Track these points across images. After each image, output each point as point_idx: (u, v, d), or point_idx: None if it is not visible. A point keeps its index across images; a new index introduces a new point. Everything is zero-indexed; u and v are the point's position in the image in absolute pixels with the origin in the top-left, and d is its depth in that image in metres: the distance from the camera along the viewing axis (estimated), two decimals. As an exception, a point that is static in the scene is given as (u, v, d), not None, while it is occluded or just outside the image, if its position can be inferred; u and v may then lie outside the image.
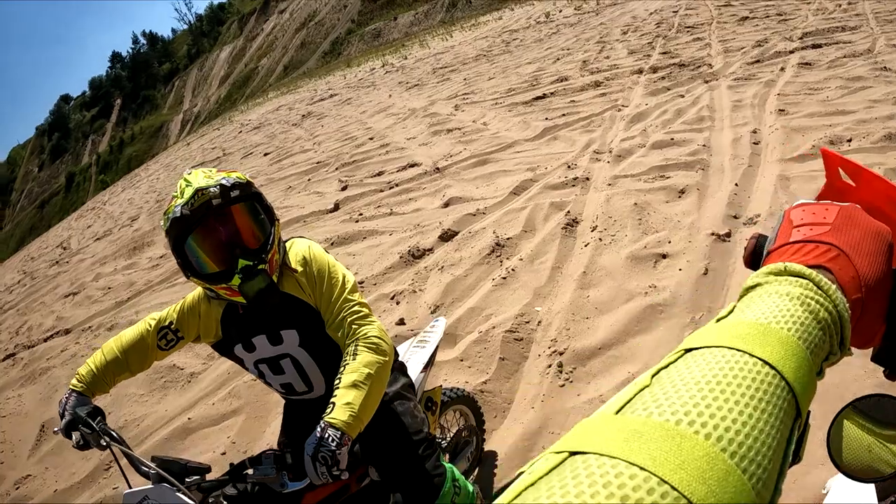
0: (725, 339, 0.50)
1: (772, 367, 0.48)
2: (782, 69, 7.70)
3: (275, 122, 23.26)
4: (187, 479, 1.63)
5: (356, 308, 1.89)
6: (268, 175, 12.21)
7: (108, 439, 1.75)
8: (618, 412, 0.43)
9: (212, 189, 1.76)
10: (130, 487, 1.65)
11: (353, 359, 1.77)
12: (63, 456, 4.24)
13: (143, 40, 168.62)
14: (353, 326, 1.85)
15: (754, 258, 0.71)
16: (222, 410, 4.08)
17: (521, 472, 0.40)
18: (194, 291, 2.07)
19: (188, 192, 1.76)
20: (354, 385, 1.71)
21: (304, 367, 2.00)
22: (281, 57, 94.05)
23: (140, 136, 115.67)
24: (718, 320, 0.54)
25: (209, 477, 1.70)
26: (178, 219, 1.76)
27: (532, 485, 0.38)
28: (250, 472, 1.70)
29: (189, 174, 1.83)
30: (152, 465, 1.62)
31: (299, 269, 1.94)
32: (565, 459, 0.39)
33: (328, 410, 1.67)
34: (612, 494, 0.35)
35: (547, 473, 0.38)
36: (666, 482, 0.36)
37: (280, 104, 32.50)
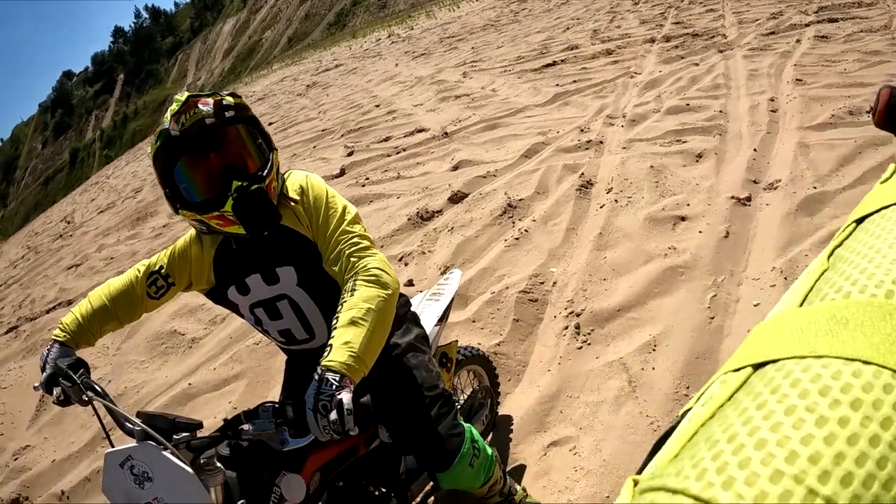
0: None
1: None
2: (798, 41, 7.50)
3: (279, 92, 23.12)
4: (175, 437, 1.45)
5: (356, 240, 1.70)
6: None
7: (90, 394, 1.58)
8: (801, 304, 0.35)
9: (204, 108, 1.58)
10: (113, 447, 1.49)
11: (352, 294, 1.59)
12: (62, 426, 4.13)
13: (145, 14, 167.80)
14: (352, 259, 1.66)
15: (890, 113, 0.61)
16: (224, 375, 3.95)
17: (687, 410, 0.33)
18: (185, 235, 1.90)
19: (178, 108, 1.58)
20: (353, 322, 1.52)
21: (304, 310, 1.82)
22: (285, 29, 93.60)
23: (144, 111, 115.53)
24: (883, 182, 0.45)
25: (201, 434, 1.52)
26: (167, 139, 1.59)
27: (713, 416, 0.29)
28: (246, 427, 1.52)
29: (181, 94, 1.64)
30: (137, 421, 1.45)
31: (297, 198, 1.76)
32: (751, 376, 0.30)
33: (325, 353, 1.49)
34: (837, 402, 0.26)
35: (730, 398, 0.30)
36: None
37: (284, 75, 32.33)
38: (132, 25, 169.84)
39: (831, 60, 6.43)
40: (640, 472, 0.31)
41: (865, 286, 0.32)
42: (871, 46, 6.50)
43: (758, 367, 0.30)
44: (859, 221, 0.40)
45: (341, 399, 1.40)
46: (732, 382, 0.30)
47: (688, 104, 6.21)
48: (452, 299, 2.45)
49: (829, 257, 0.38)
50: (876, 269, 0.33)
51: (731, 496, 0.23)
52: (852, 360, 0.28)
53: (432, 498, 2.41)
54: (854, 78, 5.70)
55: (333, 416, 1.39)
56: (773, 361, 0.30)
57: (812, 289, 0.36)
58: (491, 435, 2.78)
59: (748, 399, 0.28)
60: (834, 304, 0.32)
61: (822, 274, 0.37)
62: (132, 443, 1.46)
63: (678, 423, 0.32)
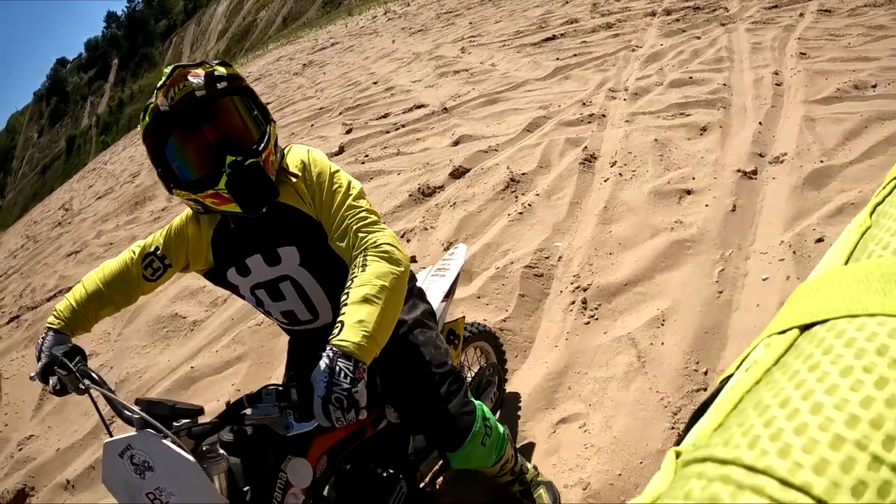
0: None
1: None
2: (801, 15, 7.40)
3: (275, 72, 22.96)
4: (176, 424, 1.40)
5: (363, 214, 1.63)
6: (271, 121, 11.98)
7: (87, 382, 1.53)
8: (847, 263, 0.33)
9: (194, 80, 1.49)
10: (112, 436, 1.44)
11: (363, 270, 1.51)
12: (64, 414, 4.13)
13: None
14: (360, 234, 1.59)
15: None
16: (226, 357, 3.92)
17: (727, 377, 0.32)
18: (182, 214, 1.82)
19: (166, 81, 1.50)
20: (366, 300, 1.45)
21: (307, 291, 1.75)
22: (280, 8, 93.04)
23: (139, 96, 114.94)
24: None
25: (202, 420, 1.47)
26: (155, 116, 1.51)
27: (759, 381, 0.27)
28: (249, 412, 1.46)
29: (168, 68, 1.56)
30: (136, 408, 1.40)
31: (298, 174, 1.67)
32: (798, 338, 0.29)
33: (335, 331, 1.41)
34: None
35: (778, 361, 0.28)
36: None
37: (280, 55, 32.14)
38: (125, 10, 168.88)
39: (835, 34, 6.34)
40: (678, 443, 0.29)
41: None
42: (876, 21, 6.40)
43: (805, 328, 0.29)
44: None
45: (357, 401, 1.35)
46: (779, 345, 0.29)
47: (691, 77, 6.14)
48: (458, 274, 2.40)
49: (871, 214, 0.36)
50: None
51: (788, 464, 0.22)
52: None
53: (441, 478, 2.38)
54: (858, 52, 5.62)
55: (352, 415, 1.35)
56: (822, 322, 0.28)
57: (856, 246, 0.34)
58: (499, 413, 2.75)
59: (798, 361, 0.27)
60: (884, 261, 0.31)
61: (866, 231, 0.35)
62: (132, 431, 1.41)
63: (718, 390, 0.30)
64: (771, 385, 0.26)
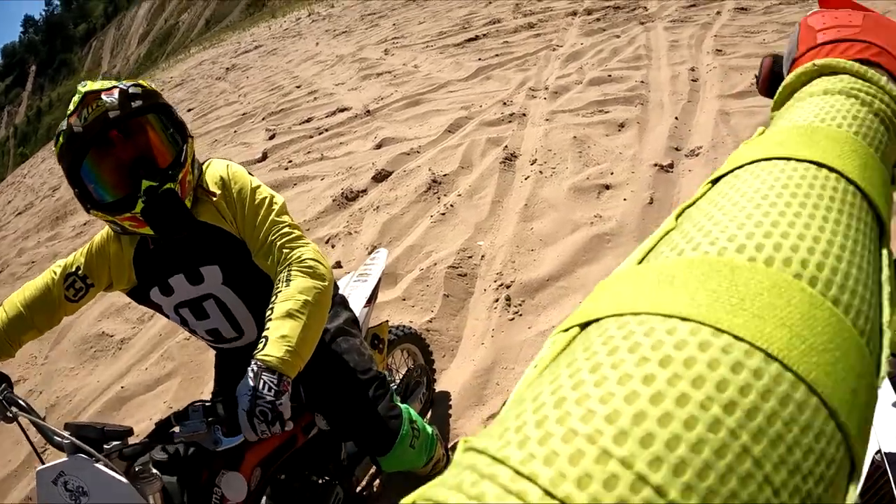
0: (758, 153, 0.38)
1: (829, 168, 0.35)
2: (718, 13, 7.71)
3: (198, 77, 22.28)
4: (106, 446, 1.41)
5: (286, 230, 1.64)
6: (192, 131, 11.62)
7: (14, 410, 1.54)
8: (640, 263, 0.33)
9: (108, 99, 1.48)
10: (44, 463, 1.45)
11: (287, 285, 1.54)
12: (-5, 445, 3.96)
13: (57, 1, 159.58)
14: (285, 250, 1.61)
15: (772, 81, 0.62)
16: (156, 375, 3.84)
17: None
18: (102, 231, 1.80)
19: (78, 101, 1.49)
20: (290, 315, 1.48)
21: (231, 309, 1.77)
22: (202, 10, 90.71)
23: (58, 104, 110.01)
24: (747, 143, 0.42)
25: (132, 440, 1.49)
26: (69, 137, 1.49)
27: (540, 377, 0.27)
28: (177, 429, 1.48)
29: (83, 85, 1.54)
30: (66, 434, 1.41)
31: (217, 192, 1.67)
32: (577, 336, 0.29)
33: (260, 346, 1.45)
34: (645, 359, 0.24)
35: (554, 359, 0.28)
36: (723, 331, 0.25)
37: (203, 59, 31.20)
38: (43, 14, 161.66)
39: (750, 31, 6.63)
40: None
41: (699, 244, 0.31)
42: (789, 18, 6.72)
43: (585, 325, 0.29)
44: (716, 181, 0.39)
45: (281, 413, 1.40)
46: (559, 343, 0.29)
47: (609, 75, 6.30)
48: (380, 279, 2.44)
49: (677, 217, 0.37)
50: (713, 227, 0.32)
51: (522, 455, 0.22)
52: (669, 316, 0.26)
53: (378, 480, 2.43)
54: (772, 48, 5.87)
55: (276, 427, 1.39)
56: (598, 320, 0.28)
57: (654, 247, 0.34)
58: (430, 412, 2.80)
59: (565, 360, 0.26)
60: (665, 262, 0.31)
61: (668, 233, 0.35)
62: (64, 457, 1.42)
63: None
64: (539, 383, 0.26)
